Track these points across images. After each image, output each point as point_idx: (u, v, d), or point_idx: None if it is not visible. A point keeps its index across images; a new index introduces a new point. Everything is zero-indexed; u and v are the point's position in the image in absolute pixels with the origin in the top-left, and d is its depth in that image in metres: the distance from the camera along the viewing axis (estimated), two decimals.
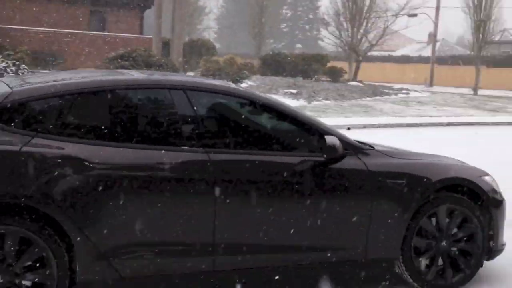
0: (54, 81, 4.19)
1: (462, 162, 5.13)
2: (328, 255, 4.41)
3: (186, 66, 29.70)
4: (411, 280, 4.57)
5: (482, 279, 4.82)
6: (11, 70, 18.47)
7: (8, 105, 3.73)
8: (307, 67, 31.85)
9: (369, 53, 44.69)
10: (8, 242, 3.57)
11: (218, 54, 31.90)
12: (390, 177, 4.52)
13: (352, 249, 4.48)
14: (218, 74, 22.39)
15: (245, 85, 23.25)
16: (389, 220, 4.47)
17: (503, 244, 4.87)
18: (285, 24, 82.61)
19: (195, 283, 4.27)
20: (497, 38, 51.09)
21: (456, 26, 57.71)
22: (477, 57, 40.21)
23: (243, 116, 4.56)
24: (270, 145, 4.42)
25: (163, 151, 3.93)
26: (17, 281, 3.60)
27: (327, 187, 4.37)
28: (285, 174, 4.20)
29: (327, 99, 23.29)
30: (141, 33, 30.66)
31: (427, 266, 4.60)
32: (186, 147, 3.99)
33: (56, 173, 3.66)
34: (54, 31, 26.90)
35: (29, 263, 3.64)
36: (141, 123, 4.16)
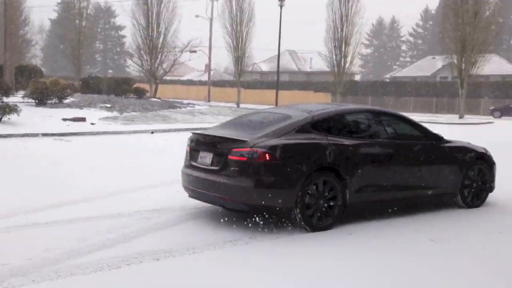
0: (325, 109, 6.11)
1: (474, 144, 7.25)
2: (428, 191, 6.42)
3: (17, 86, 28.20)
4: (462, 204, 6.68)
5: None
6: None
7: (315, 121, 5.67)
8: (118, 87, 31.61)
9: (164, 78, 46.38)
10: (321, 184, 5.35)
11: (45, 77, 30.55)
12: (456, 152, 6.71)
13: (443, 188, 6.54)
14: (46, 93, 21.72)
15: (68, 101, 22.88)
16: (457, 173, 6.60)
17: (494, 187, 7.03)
18: (98, 55, 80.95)
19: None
20: (250, 68, 57.54)
21: (223, 60, 62.86)
22: (238, 82, 43.82)
23: (399, 124, 6.52)
24: (407, 137, 6.43)
25: (374, 141, 6.03)
26: (325, 204, 5.39)
27: (432, 156, 6.42)
28: (414, 149, 6.32)
29: (134, 111, 23.14)
30: None
31: (476, 196, 6.79)
32: (381, 139, 6.07)
33: (339, 152, 5.51)
34: None
35: (329, 194, 5.42)
36: (363, 128, 6.18)
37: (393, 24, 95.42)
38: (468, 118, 33.03)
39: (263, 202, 5.11)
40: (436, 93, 45.25)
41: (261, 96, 53.60)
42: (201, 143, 5.85)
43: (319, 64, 60.52)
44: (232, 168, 5.24)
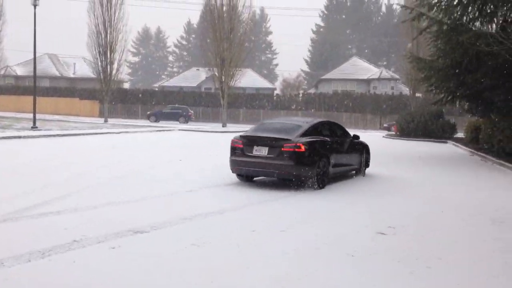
0: (312, 121, 9.78)
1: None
2: (351, 167, 10.55)
3: None
4: (362, 173, 11.09)
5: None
6: None
7: (313, 128, 9.26)
8: None
9: None
10: (322, 163, 8.86)
11: None
12: (359, 144, 10.93)
13: (356, 165, 10.79)
14: None
15: None
16: (360, 156, 10.89)
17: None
18: None
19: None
20: (2, 72, 50.56)
21: None
22: None
23: (338, 128, 10.42)
24: (342, 136, 10.32)
25: (335, 138, 9.84)
26: (324, 174, 8.98)
27: (352, 147, 10.51)
28: (347, 143, 10.28)
29: None
30: None
31: (365, 169, 11.36)
32: (336, 138, 9.93)
33: (328, 145, 9.19)
34: None
35: (324, 168, 8.97)
36: (329, 132, 9.85)
37: (159, 34, 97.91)
38: (230, 126, 36.32)
39: (300, 173, 8.57)
40: (202, 103, 48.37)
41: (17, 102, 48.06)
42: (254, 141, 8.83)
43: (84, 70, 57.44)
44: (284, 155, 8.49)
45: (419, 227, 6.15)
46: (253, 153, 8.67)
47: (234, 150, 8.97)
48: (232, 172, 9.25)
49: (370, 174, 11.26)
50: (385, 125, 40.94)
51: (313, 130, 9.18)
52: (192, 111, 42.79)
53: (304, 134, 8.84)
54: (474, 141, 21.98)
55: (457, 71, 15.21)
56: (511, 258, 4.89)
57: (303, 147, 8.45)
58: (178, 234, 5.40)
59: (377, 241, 5.36)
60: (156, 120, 39.98)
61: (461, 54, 13.87)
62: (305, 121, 9.65)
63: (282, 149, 8.45)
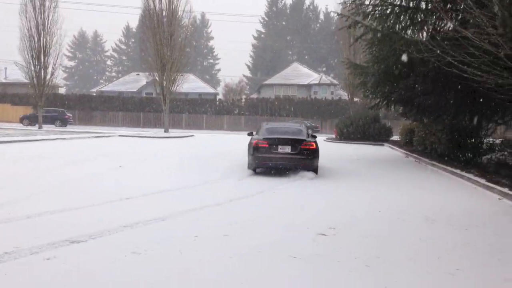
0: (301, 125, 13.22)
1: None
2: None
3: None
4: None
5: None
6: None
7: (306, 130, 12.73)
8: None
9: None
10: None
11: None
12: (312, 141, 11.61)
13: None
14: None
15: None
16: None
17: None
18: None
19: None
20: None
21: None
22: None
23: (309, 129, 14.44)
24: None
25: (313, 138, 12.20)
26: (317, 164, 11.86)
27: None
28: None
29: None
30: None
31: None
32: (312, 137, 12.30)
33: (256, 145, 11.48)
34: None
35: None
36: (311, 132, 13.81)
37: (96, 38, 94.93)
38: (172, 132, 35.79)
39: (314, 165, 11.44)
40: (143, 108, 47.37)
41: None
42: (278, 141, 11.29)
43: (16, 74, 54.45)
44: (304, 151, 11.20)
45: (358, 227, 6.36)
46: (279, 150, 11.23)
47: (258, 149, 11.28)
48: (255, 167, 11.54)
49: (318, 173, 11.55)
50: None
51: (307, 131, 12.51)
52: (70, 114, 40.98)
53: (307, 135, 12.02)
54: (409, 143, 23.09)
55: (390, 77, 15.93)
56: (443, 254, 5.18)
57: (314, 145, 11.40)
58: (117, 242, 5.23)
59: (318, 242, 5.48)
60: (31, 124, 38.45)
61: (394, 60, 14.54)
62: (298, 124, 13.29)
63: (301, 147, 11.21)
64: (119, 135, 28.81)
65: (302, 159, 11.16)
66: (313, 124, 41.75)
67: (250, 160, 11.67)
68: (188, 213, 6.88)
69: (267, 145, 11.26)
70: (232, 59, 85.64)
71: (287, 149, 11.21)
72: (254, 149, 11.33)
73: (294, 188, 9.66)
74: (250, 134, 13.18)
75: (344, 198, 8.69)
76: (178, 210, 7.03)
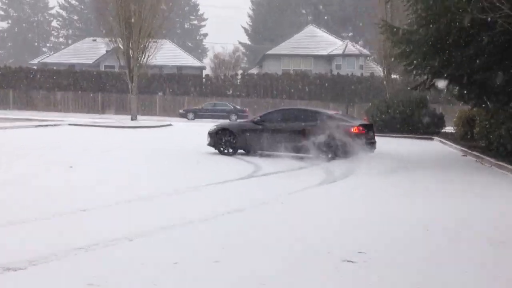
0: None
1: None
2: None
3: None
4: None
5: None
6: None
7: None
8: None
9: None
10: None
11: None
12: None
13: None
14: None
15: None
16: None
17: None
18: None
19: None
20: None
21: None
22: None
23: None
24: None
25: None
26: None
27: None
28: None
29: None
30: None
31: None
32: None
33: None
34: None
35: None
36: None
37: None
38: (142, 119, 35.79)
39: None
40: (102, 87, 47.42)
41: None
42: (366, 127, 16.55)
43: None
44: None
45: (398, 252, 6.35)
46: (370, 134, 16.38)
47: (357, 136, 15.43)
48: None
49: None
50: (180, 111, 43.09)
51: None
52: None
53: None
54: (467, 137, 23.09)
55: (443, 45, 15.87)
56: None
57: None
58: (67, 271, 5.23)
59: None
60: None
61: (448, 22, 14.50)
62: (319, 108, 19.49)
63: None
64: (70, 124, 28.90)
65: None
66: (238, 107, 42.00)
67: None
68: (164, 231, 6.87)
69: (364, 132, 16.03)
70: (225, 20, 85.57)
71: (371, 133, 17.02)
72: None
73: (310, 196, 9.66)
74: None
75: (378, 211, 8.69)
76: (150, 226, 7.03)
